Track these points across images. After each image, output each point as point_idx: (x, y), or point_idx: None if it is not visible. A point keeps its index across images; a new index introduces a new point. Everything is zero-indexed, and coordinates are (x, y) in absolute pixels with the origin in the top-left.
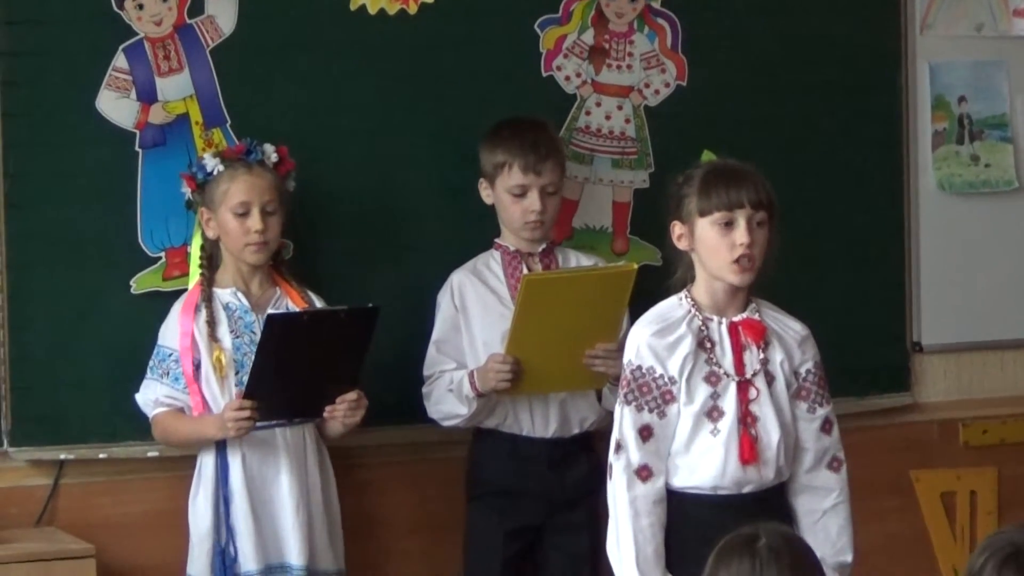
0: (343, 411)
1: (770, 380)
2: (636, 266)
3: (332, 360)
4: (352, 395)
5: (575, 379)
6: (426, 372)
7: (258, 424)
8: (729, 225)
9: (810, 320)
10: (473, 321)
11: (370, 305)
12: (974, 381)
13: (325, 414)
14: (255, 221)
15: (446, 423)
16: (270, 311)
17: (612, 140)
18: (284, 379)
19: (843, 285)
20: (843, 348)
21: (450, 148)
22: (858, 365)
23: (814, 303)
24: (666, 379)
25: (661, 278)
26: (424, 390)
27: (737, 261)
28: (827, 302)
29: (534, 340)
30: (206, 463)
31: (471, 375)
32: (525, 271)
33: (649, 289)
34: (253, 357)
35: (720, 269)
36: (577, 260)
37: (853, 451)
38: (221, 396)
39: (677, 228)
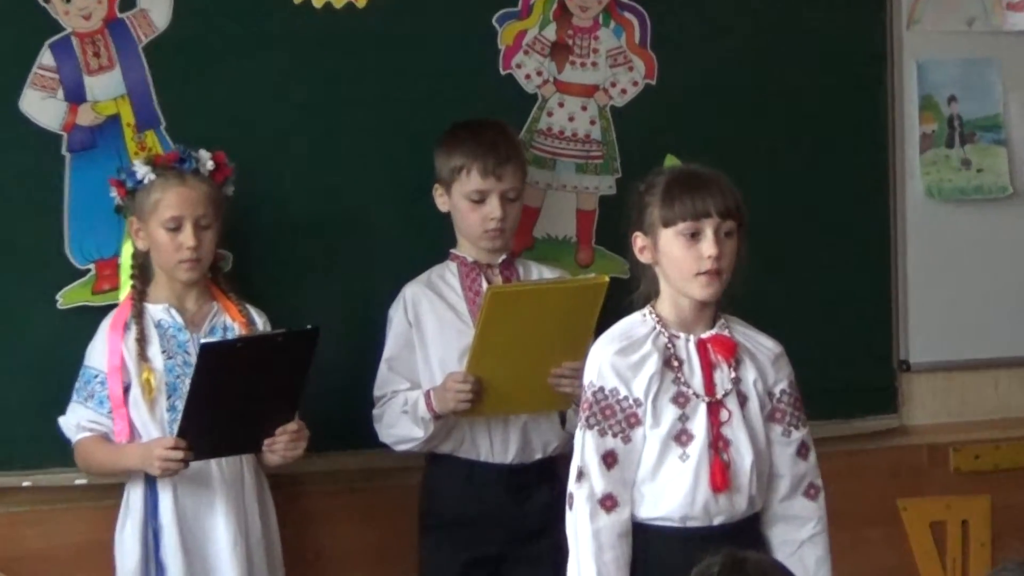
0: (283, 444)
1: (742, 401)
2: (607, 278)
3: (270, 388)
4: (292, 426)
5: (539, 400)
6: (377, 393)
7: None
8: (695, 236)
9: (787, 337)
10: (428, 337)
11: (309, 327)
12: (966, 402)
13: (264, 448)
14: (188, 236)
15: (399, 447)
16: (203, 340)
17: (576, 143)
18: (219, 413)
19: (823, 299)
20: (823, 367)
21: (402, 151)
22: (840, 385)
23: (791, 319)
24: (631, 401)
25: (629, 292)
26: (375, 412)
27: (704, 274)
28: (806, 317)
29: (497, 358)
30: (134, 494)
31: (427, 395)
32: (484, 284)
33: (614, 304)
34: (186, 382)
35: (685, 283)
36: (539, 272)
37: (835, 478)
38: (151, 421)
39: (639, 240)
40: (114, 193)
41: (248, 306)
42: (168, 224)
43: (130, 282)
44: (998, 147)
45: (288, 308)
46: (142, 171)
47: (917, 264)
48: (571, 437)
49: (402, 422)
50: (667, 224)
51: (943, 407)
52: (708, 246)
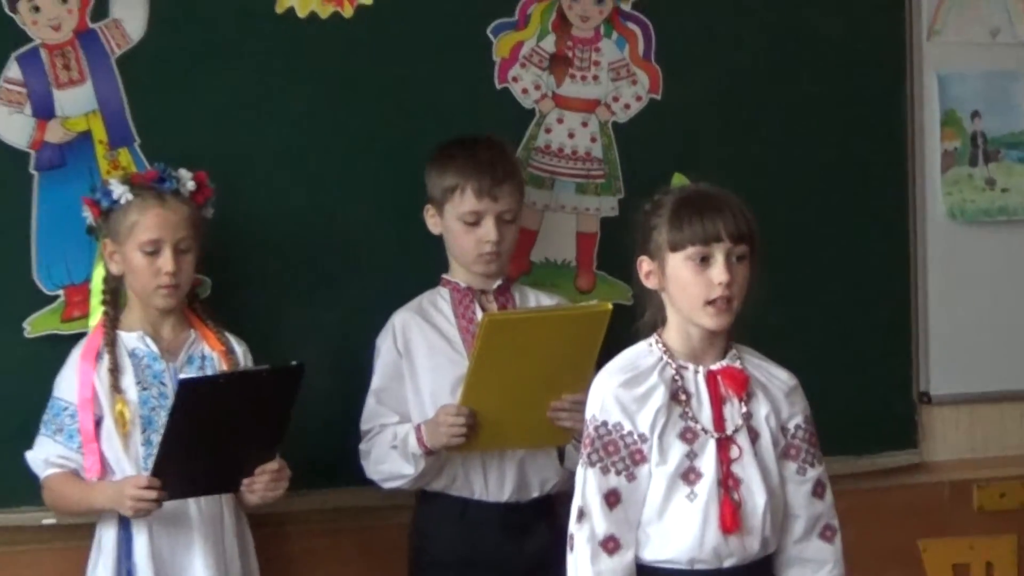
0: (263, 484)
1: (754, 437)
2: (611, 306)
3: (251, 426)
4: (273, 465)
5: (537, 435)
6: (364, 426)
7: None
8: (705, 261)
9: (800, 369)
10: (419, 368)
11: (294, 363)
12: (990, 437)
13: (243, 487)
14: (166, 261)
15: (388, 485)
16: (182, 376)
17: (576, 161)
18: (197, 451)
19: (839, 328)
20: (839, 400)
21: (392, 170)
22: (857, 419)
23: (805, 349)
24: (635, 436)
25: (632, 319)
26: (362, 447)
27: (713, 302)
28: (821, 348)
29: (492, 389)
30: (106, 534)
31: (418, 429)
32: (478, 311)
33: (617, 332)
34: (162, 415)
35: (694, 311)
36: (536, 299)
37: (851, 518)
38: (125, 456)
39: (645, 264)
40: (87, 213)
41: (228, 334)
42: (146, 247)
43: (102, 308)
44: None
45: (270, 337)
46: (119, 191)
47: (938, 290)
48: (570, 474)
49: (391, 458)
50: (675, 248)
51: (966, 442)
52: (719, 272)
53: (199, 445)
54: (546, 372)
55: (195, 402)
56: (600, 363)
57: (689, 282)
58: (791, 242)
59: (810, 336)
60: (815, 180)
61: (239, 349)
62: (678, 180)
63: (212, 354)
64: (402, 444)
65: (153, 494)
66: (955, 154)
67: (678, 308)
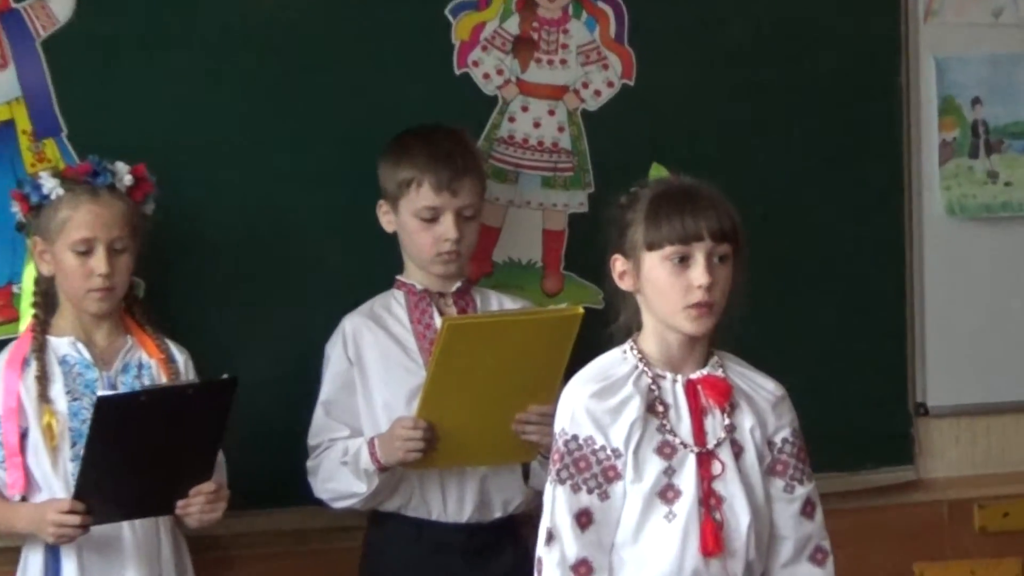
0: (199, 506)
1: (737, 452)
2: (582, 309)
3: (182, 444)
4: (209, 486)
5: (500, 450)
6: (312, 441)
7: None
8: (684, 261)
9: (788, 378)
10: (371, 377)
11: (225, 377)
12: (993, 452)
13: (178, 510)
14: (100, 262)
15: (338, 504)
16: (100, 393)
17: (542, 153)
18: (123, 472)
19: (829, 334)
20: (830, 412)
21: (342, 163)
22: (849, 433)
23: (793, 357)
24: (609, 451)
25: (604, 324)
26: (309, 464)
27: (694, 306)
28: (809, 356)
29: (452, 401)
30: (32, 559)
31: (371, 444)
32: (436, 315)
33: (588, 339)
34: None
35: (672, 315)
36: (499, 303)
37: (843, 539)
38: (52, 472)
39: (619, 264)
40: (16, 208)
41: (168, 341)
42: (78, 247)
43: (31, 311)
44: None
45: (212, 343)
46: (49, 185)
47: (936, 292)
48: (536, 493)
49: (341, 475)
50: (652, 247)
51: (966, 457)
52: (699, 274)
53: (125, 466)
54: (511, 382)
55: (116, 420)
56: (570, 372)
57: (667, 284)
58: (776, 241)
59: (798, 343)
60: (802, 175)
61: (180, 357)
62: (656, 172)
63: (150, 362)
64: (353, 460)
65: (76, 519)
66: (954, 145)
67: (655, 312)
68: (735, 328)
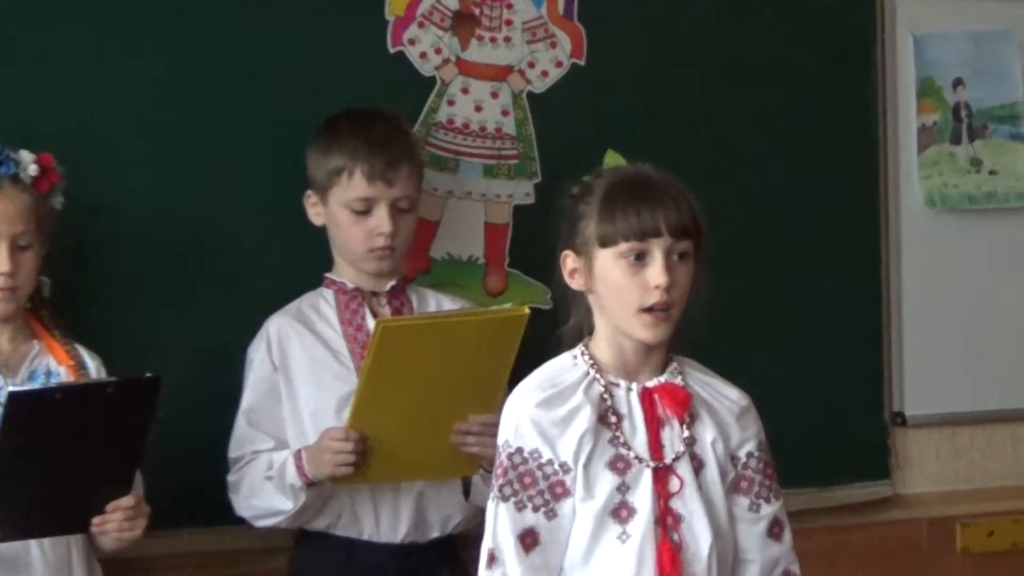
0: (117, 523)
1: (698, 467)
2: (528, 310)
3: (99, 453)
4: (128, 500)
5: (439, 464)
6: (233, 454)
7: None
8: (640, 259)
9: (753, 386)
10: (298, 383)
11: (148, 376)
12: (976, 465)
13: (93, 527)
14: (2, 260)
15: (261, 523)
16: (10, 388)
17: (484, 139)
18: (34, 483)
19: (798, 338)
20: (799, 423)
21: (266, 151)
22: (819, 446)
23: (758, 363)
24: (556, 466)
25: (552, 327)
26: (230, 478)
27: (650, 310)
28: (776, 361)
29: (386, 410)
30: None
31: (298, 457)
32: (368, 316)
33: (534, 343)
34: None
35: (627, 319)
36: (437, 303)
37: (814, 562)
38: None
39: (570, 260)
40: None
41: (77, 346)
42: None
43: None
44: (1016, 143)
45: (125, 348)
46: None
47: (915, 291)
48: (478, 511)
49: (265, 491)
50: (605, 243)
51: (948, 471)
52: (656, 273)
53: (37, 475)
54: (450, 389)
55: (27, 421)
56: (515, 379)
57: (621, 284)
58: (739, 236)
59: (764, 348)
60: (768, 163)
61: (91, 364)
62: (612, 159)
63: (59, 369)
64: (278, 474)
65: None
66: (934, 130)
67: (608, 314)
68: (696, 332)
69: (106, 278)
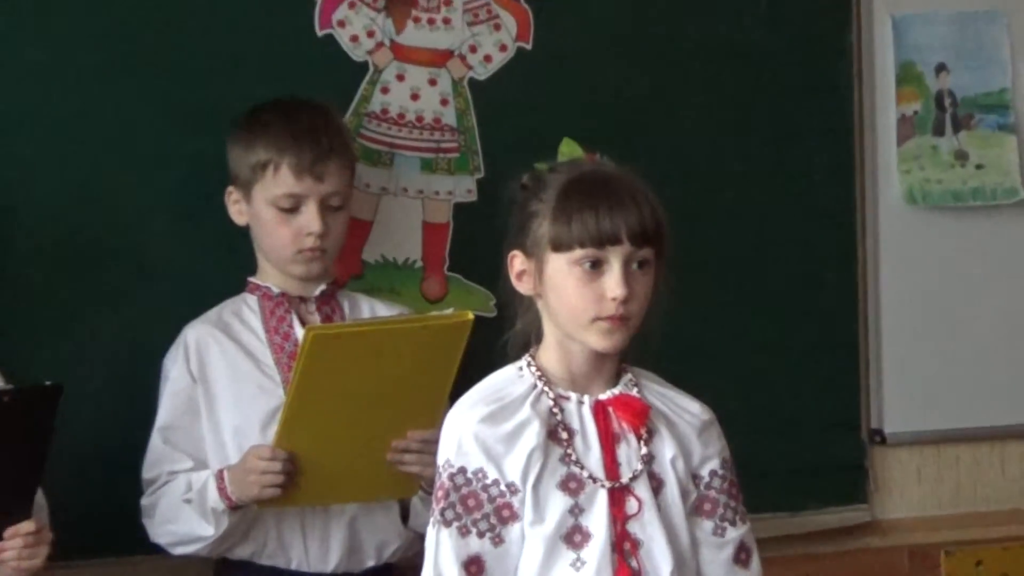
0: (16, 551)
1: (657, 486)
2: (472, 316)
3: None
4: (28, 526)
5: (374, 485)
6: (148, 475)
7: None
8: (597, 267)
9: (716, 399)
10: (219, 398)
11: (49, 384)
12: (962, 488)
13: None
14: None
15: (179, 550)
16: None
17: (422, 130)
18: None
19: (766, 347)
20: (767, 440)
21: (183, 144)
22: (790, 465)
23: (722, 374)
24: (503, 487)
25: (494, 335)
26: (144, 502)
27: (606, 319)
28: (742, 372)
29: (317, 426)
30: None
31: (220, 477)
32: (296, 324)
33: (477, 352)
34: None
35: (579, 329)
36: (371, 309)
37: None
38: None
39: (518, 262)
40: None
41: None
42: None
43: None
44: (1005, 135)
45: (25, 358)
46: None
47: (894, 296)
48: (418, 537)
49: (184, 515)
50: (559, 247)
51: (931, 494)
52: (614, 284)
53: None
54: (387, 403)
55: None
56: (457, 392)
57: (574, 293)
58: (701, 236)
59: (728, 358)
60: (733, 156)
61: None
62: (568, 149)
63: None
64: (198, 497)
65: None
66: (915, 120)
67: (559, 322)
68: (652, 342)
69: (2, 283)
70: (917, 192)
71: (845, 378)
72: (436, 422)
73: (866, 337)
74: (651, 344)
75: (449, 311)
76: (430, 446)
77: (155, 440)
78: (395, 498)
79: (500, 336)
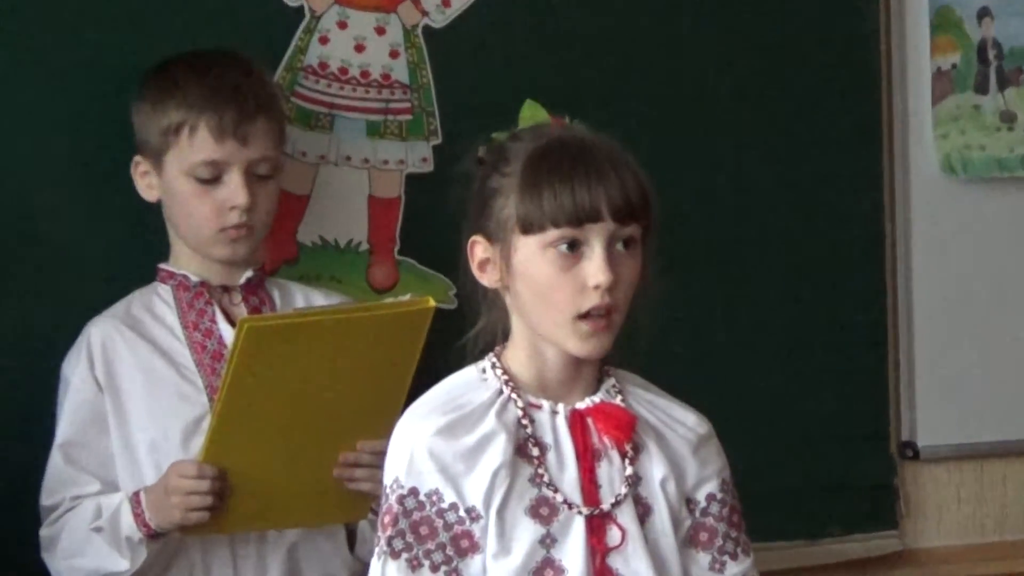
0: None
1: (644, 513)
2: (433, 303)
3: None
4: None
5: (317, 506)
6: (47, 501)
7: None
8: (574, 249)
9: (716, 410)
10: (130, 407)
11: None
12: (1009, 512)
13: None
14: None
15: None
16: None
17: (368, 88)
18: None
19: (777, 348)
20: (779, 458)
21: (80, 105)
22: (807, 487)
23: (725, 380)
24: (462, 512)
25: (453, 332)
26: (44, 533)
27: (587, 317)
28: (748, 377)
29: (251, 437)
30: None
31: (135, 501)
32: (219, 317)
33: (432, 352)
34: None
35: (556, 329)
36: (307, 301)
37: None
38: None
39: (480, 248)
40: None
41: None
42: None
43: None
44: None
45: None
46: None
47: (928, 286)
48: (365, 567)
49: (92, 547)
50: (528, 229)
51: (972, 519)
52: (596, 269)
53: None
54: (335, 409)
55: None
56: (412, 398)
57: (549, 282)
58: (699, 220)
59: (732, 362)
60: (737, 119)
61: None
62: (531, 113)
63: None
64: (109, 525)
65: None
66: (953, 75)
67: (529, 319)
68: (641, 342)
69: None
70: (956, 160)
71: (870, 381)
72: (391, 431)
73: (895, 333)
74: (639, 342)
75: (407, 297)
76: (384, 459)
77: (55, 459)
78: (343, 522)
79: (460, 333)
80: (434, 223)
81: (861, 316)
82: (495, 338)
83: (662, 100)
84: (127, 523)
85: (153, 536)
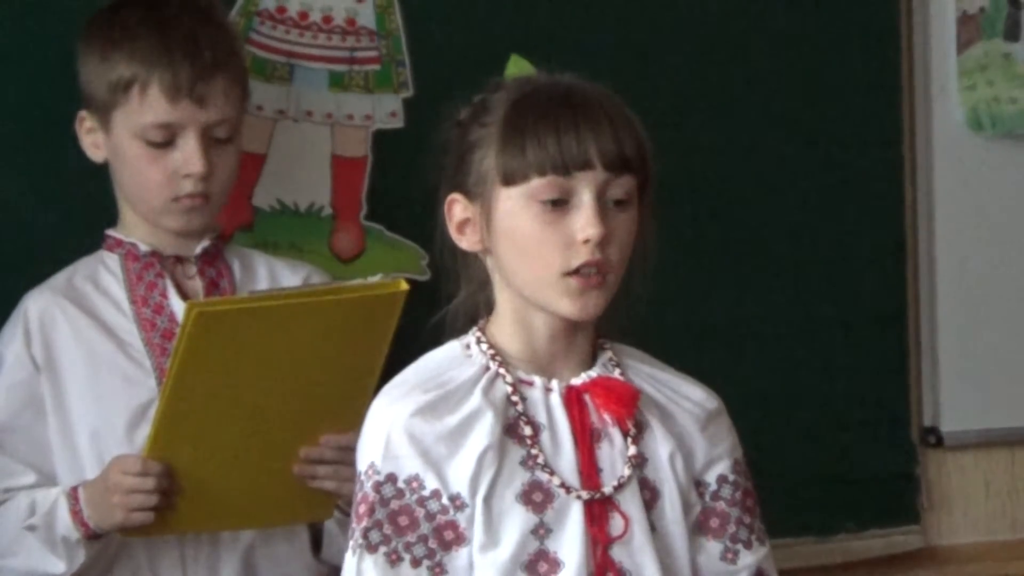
0: None
1: (650, 499)
2: (406, 285)
3: None
4: None
5: (276, 505)
6: None
7: None
8: (561, 204)
9: (727, 389)
10: (70, 390)
11: None
12: None
13: None
14: None
15: None
16: None
17: (331, 35)
18: None
19: (788, 324)
20: (792, 446)
21: (14, 56)
22: (822, 477)
23: (734, 359)
24: (445, 500)
25: (428, 305)
26: None
27: (577, 273)
28: (760, 357)
29: (202, 428)
30: None
31: (74, 497)
32: (171, 292)
33: (405, 327)
34: None
35: (543, 288)
36: (270, 271)
37: None
38: None
39: (459, 208)
40: None
41: None
42: None
43: None
44: None
45: None
46: None
47: (953, 255)
48: (333, 570)
49: (25, 547)
50: (511, 180)
51: (1001, 513)
52: (586, 221)
53: None
54: (295, 400)
55: None
56: (381, 382)
57: (535, 238)
58: (705, 183)
59: (742, 339)
60: (746, 75)
61: None
62: (516, 67)
63: None
64: (44, 523)
65: None
66: (980, 20)
67: (514, 282)
68: (642, 313)
69: None
70: (984, 115)
71: (890, 362)
72: (357, 424)
73: (916, 307)
74: (636, 317)
75: (376, 278)
76: (349, 455)
77: None
78: (304, 522)
79: (436, 306)
80: (405, 185)
81: (879, 288)
82: (477, 311)
83: (648, 52)
84: (64, 522)
85: (92, 536)
